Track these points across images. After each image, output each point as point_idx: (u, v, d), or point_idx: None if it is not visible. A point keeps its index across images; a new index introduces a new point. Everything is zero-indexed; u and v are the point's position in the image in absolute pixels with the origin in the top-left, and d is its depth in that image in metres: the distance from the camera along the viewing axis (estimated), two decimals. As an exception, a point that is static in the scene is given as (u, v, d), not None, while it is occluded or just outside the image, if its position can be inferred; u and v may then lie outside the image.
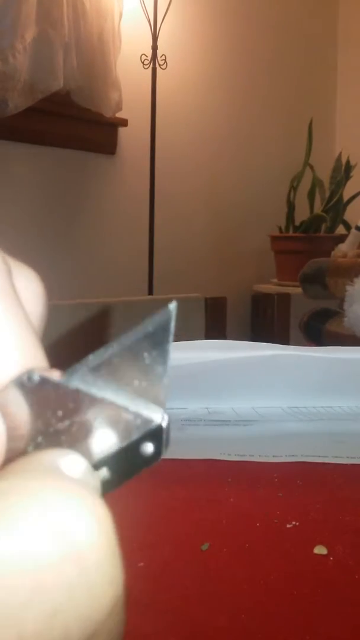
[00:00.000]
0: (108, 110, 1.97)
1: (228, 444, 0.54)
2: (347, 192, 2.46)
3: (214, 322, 1.26)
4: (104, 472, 0.14)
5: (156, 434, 0.14)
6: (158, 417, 0.14)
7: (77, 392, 0.14)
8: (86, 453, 0.14)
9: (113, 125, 2.09)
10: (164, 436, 0.14)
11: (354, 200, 2.45)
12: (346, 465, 0.50)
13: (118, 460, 0.14)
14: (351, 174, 2.47)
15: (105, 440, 0.14)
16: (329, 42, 2.94)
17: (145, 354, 0.14)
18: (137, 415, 0.14)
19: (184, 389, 0.63)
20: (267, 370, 0.61)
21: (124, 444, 0.14)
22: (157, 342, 0.14)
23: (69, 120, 1.93)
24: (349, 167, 2.47)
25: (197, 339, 0.60)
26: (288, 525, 0.40)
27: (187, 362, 0.57)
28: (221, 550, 0.37)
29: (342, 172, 2.47)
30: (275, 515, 0.41)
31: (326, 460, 0.51)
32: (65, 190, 2.00)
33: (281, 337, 1.29)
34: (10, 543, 0.11)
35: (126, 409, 0.14)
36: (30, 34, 1.69)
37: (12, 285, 0.15)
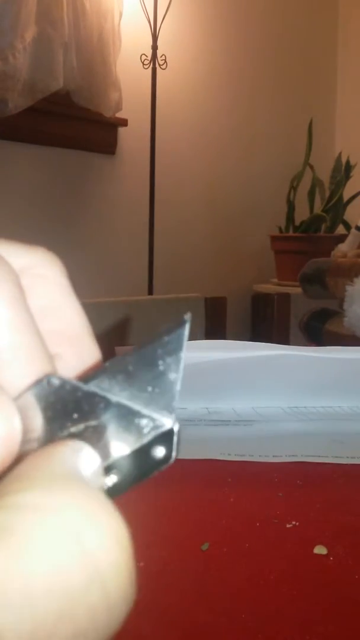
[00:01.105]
0: (108, 110, 1.96)
1: (228, 444, 0.54)
2: (347, 192, 2.46)
3: (214, 322, 1.26)
4: (115, 474, 0.14)
5: (167, 438, 0.14)
6: (170, 421, 0.14)
7: (93, 395, 0.14)
8: (99, 456, 0.14)
9: (113, 125, 2.09)
10: (175, 439, 0.14)
11: (354, 200, 2.45)
12: (346, 465, 0.50)
13: (130, 463, 0.14)
14: (351, 174, 2.47)
15: (118, 443, 0.14)
16: (329, 42, 2.94)
17: (160, 362, 0.15)
18: (149, 419, 0.14)
19: (184, 389, 0.63)
20: (267, 370, 0.61)
21: (136, 446, 0.14)
22: (172, 350, 0.15)
23: (69, 120, 1.93)
24: (349, 167, 2.47)
25: (197, 339, 0.60)
26: (288, 525, 0.40)
27: (187, 362, 0.57)
28: (221, 550, 0.37)
29: (342, 172, 2.47)
30: (275, 515, 0.41)
31: (326, 460, 0.50)
32: (65, 190, 2.00)
33: (281, 337, 1.29)
34: (41, 568, 0.11)
35: (139, 413, 0.14)
36: (30, 34, 1.69)
37: (21, 292, 0.16)
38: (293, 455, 0.51)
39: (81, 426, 0.14)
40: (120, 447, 0.14)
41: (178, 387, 0.15)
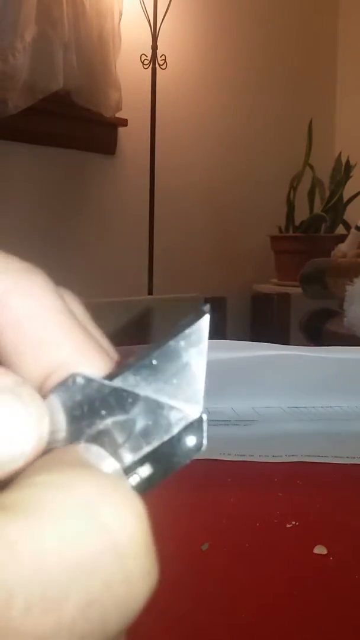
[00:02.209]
0: (108, 110, 1.96)
1: (228, 444, 0.54)
2: (347, 192, 2.46)
3: (214, 322, 1.26)
4: (148, 467, 0.14)
5: (197, 427, 0.15)
6: (197, 410, 0.15)
7: (119, 391, 0.14)
8: (130, 450, 0.14)
9: (113, 125, 2.09)
10: (204, 428, 0.15)
11: (354, 200, 2.45)
12: (346, 465, 0.50)
13: (161, 454, 0.14)
14: (351, 174, 2.47)
15: (148, 436, 0.14)
16: (329, 42, 2.94)
17: (183, 354, 0.15)
18: (177, 410, 0.14)
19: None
20: (267, 370, 0.61)
21: (166, 438, 0.14)
22: (194, 341, 0.15)
23: (68, 120, 1.93)
24: (348, 167, 2.47)
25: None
26: (288, 525, 0.40)
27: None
28: (221, 550, 0.37)
29: (342, 172, 2.47)
30: (275, 515, 0.41)
31: (326, 460, 0.50)
32: (65, 190, 2.00)
33: (281, 337, 1.29)
34: (53, 535, 0.11)
35: (167, 405, 0.14)
36: (30, 34, 1.68)
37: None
38: (293, 455, 0.51)
39: (109, 422, 0.14)
40: (151, 439, 0.14)
41: (203, 377, 0.15)
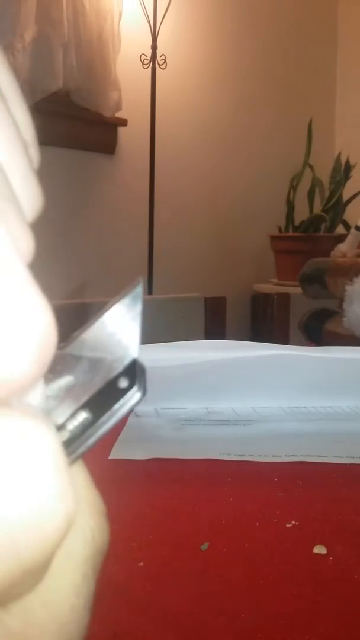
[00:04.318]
0: (107, 110, 1.97)
1: (228, 444, 0.54)
2: (347, 192, 2.46)
3: (214, 322, 1.26)
4: (84, 413, 0.15)
5: (130, 370, 0.16)
6: (131, 356, 0.16)
7: (64, 356, 0.16)
8: (70, 404, 0.15)
9: (113, 125, 2.09)
10: (137, 370, 0.16)
11: (354, 200, 2.45)
12: (346, 465, 0.50)
13: (98, 400, 0.16)
14: (351, 174, 2.47)
15: (88, 388, 0.16)
16: (329, 42, 2.94)
17: (121, 319, 0.16)
18: (114, 360, 0.16)
19: (184, 389, 0.63)
20: (267, 370, 0.61)
21: (101, 384, 0.16)
22: (130, 307, 0.16)
23: (68, 120, 1.93)
24: (348, 167, 2.47)
25: (197, 339, 0.60)
26: (288, 525, 0.40)
27: (187, 362, 0.57)
28: (221, 550, 0.37)
29: (342, 172, 2.47)
30: (274, 515, 0.41)
31: (326, 460, 0.50)
32: (64, 190, 2.00)
33: (281, 337, 1.29)
34: None
35: (106, 359, 0.16)
36: (29, 34, 1.68)
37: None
38: (293, 455, 0.51)
39: (54, 386, 0.15)
40: (90, 389, 0.16)
41: (138, 332, 0.16)
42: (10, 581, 0.12)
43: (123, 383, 0.16)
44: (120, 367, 0.16)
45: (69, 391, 0.15)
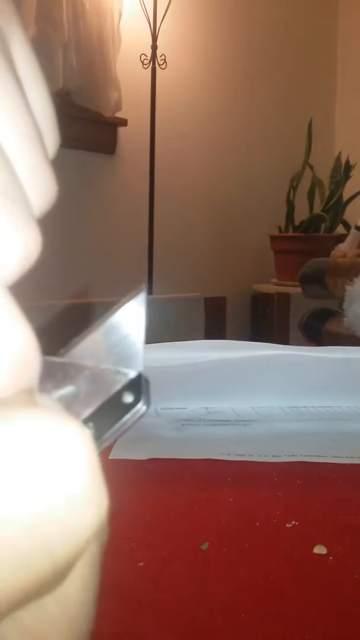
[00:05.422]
0: (107, 110, 1.97)
1: (228, 444, 0.54)
2: (347, 192, 2.46)
3: (214, 322, 1.26)
4: (90, 427, 0.15)
5: (135, 385, 0.15)
6: (135, 370, 0.16)
7: (65, 365, 0.15)
8: (75, 416, 0.15)
9: (113, 125, 2.09)
10: (142, 384, 0.15)
11: (354, 200, 2.45)
12: (346, 465, 0.50)
13: (101, 413, 0.15)
14: (351, 174, 2.47)
15: (90, 400, 0.15)
16: (329, 42, 2.94)
17: (123, 327, 0.16)
18: (117, 373, 0.15)
19: (184, 389, 0.63)
20: (266, 370, 0.61)
21: (106, 398, 0.15)
22: (133, 315, 0.16)
23: (68, 120, 1.93)
24: (348, 167, 2.47)
25: (197, 339, 0.60)
26: (287, 525, 0.40)
27: (187, 362, 0.57)
28: (221, 550, 0.37)
29: (342, 171, 2.47)
30: (274, 515, 0.41)
31: (326, 460, 0.51)
32: (64, 190, 1.98)
33: (281, 337, 1.29)
34: None
35: (108, 370, 0.15)
36: (29, 34, 1.68)
37: None
38: (292, 455, 0.51)
39: (56, 395, 0.15)
40: (93, 402, 0.15)
41: (142, 343, 0.16)
42: (43, 580, 0.12)
43: (128, 398, 0.15)
44: (124, 380, 0.15)
45: (70, 402, 0.15)
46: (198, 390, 0.63)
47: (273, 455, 0.51)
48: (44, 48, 1.73)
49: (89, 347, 0.16)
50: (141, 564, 0.35)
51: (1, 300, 0.12)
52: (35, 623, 0.13)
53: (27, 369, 0.13)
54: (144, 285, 0.16)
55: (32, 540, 0.11)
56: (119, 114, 2.04)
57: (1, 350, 0.12)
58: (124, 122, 2.09)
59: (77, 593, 0.13)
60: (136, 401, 0.15)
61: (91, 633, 0.14)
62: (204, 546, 0.37)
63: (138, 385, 0.15)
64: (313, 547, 0.37)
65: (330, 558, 0.36)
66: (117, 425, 0.15)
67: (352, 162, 2.47)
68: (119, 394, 0.15)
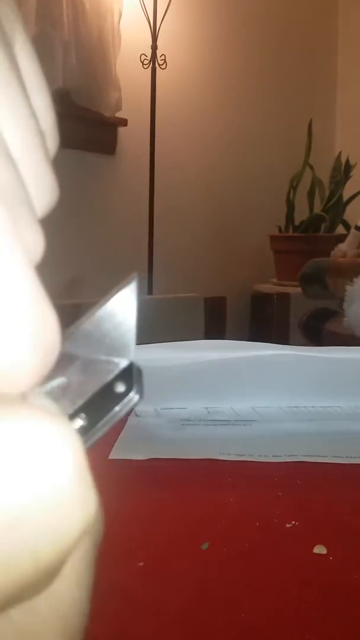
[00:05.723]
0: (108, 110, 1.96)
1: (228, 444, 0.54)
2: (347, 191, 2.46)
3: (214, 322, 1.26)
4: (81, 417, 0.15)
5: (127, 375, 0.15)
6: (127, 360, 0.16)
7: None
8: (66, 406, 0.15)
9: (113, 125, 2.09)
10: (134, 373, 0.15)
11: (354, 200, 2.45)
12: (346, 465, 0.50)
13: (94, 404, 0.15)
14: (351, 174, 2.47)
15: (82, 390, 0.15)
16: (329, 42, 2.94)
17: (115, 316, 0.16)
18: (109, 363, 0.15)
19: (184, 389, 0.63)
20: (266, 370, 0.61)
21: (98, 388, 0.15)
22: (124, 304, 0.16)
23: (68, 120, 1.93)
24: (348, 167, 2.47)
25: (197, 339, 0.60)
26: (287, 525, 0.40)
27: (187, 362, 0.57)
28: (221, 550, 0.37)
29: (342, 171, 2.47)
30: (274, 515, 0.41)
31: (326, 460, 0.50)
32: (64, 190, 1.97)
33: (280, 336, 1.29)
34: None
35: (100, 360, 0.15)
36: (29, 33, 1.68)
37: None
38: (293, 455, 0.51)
39: (47, 385, 0.15)
40: (86, 392, 0.15)
41: (134, 333, 0.16)
42: (24, 580, 0.12)
43: (120, 388, 0.15)
44: (115, 370, 0.15)
45: (62, 393, 0.15)
46: (198, 390, 0.63)
47: (273, 455, 0.51)
48: (44, 47, 1.73)
49: (80, 337, 0.15)
50: (141, 564, 0.35)
51: (35, 282, 0.12)
52: (26, 621, 0.13)
53: (51, 356, 0.13)
54: (136, 274, 0.16)
55: (13, 540, 0.11)
56: (119, 114, 2.04)
57: (35, 333, 0.12)
58: (124, 122, 2.09)
59: (69, 591, 0.13)
60: (128, 391, 0.15)
61: (86, 631, 0.14)
62: (204, 546, 0.37)
63: (130, 375, 0.15)
64: (313, 547, 0.37)
65: (331, 558, 0.36)
66: (109, 416, 0.15)
67: (352, 162, 2.47)
68: (111, 384, 0.15)
